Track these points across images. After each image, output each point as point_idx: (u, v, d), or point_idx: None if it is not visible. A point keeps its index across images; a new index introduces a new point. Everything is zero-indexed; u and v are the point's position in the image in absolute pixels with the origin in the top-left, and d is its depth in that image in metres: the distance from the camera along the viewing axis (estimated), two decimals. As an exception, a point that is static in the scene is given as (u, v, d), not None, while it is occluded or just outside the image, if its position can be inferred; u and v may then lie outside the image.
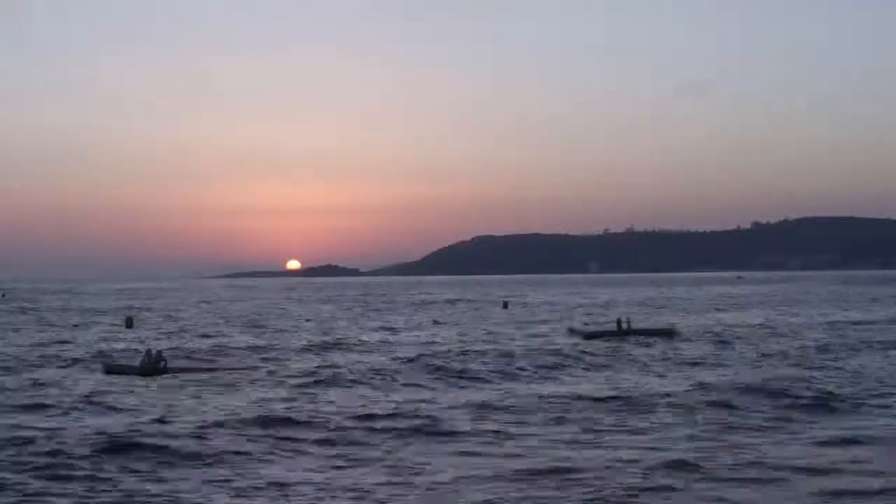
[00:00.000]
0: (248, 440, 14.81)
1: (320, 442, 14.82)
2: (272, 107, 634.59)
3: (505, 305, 68.67)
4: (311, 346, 33.49)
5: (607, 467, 12.55)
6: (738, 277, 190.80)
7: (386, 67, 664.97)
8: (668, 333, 35.60)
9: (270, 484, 11.94)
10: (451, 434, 15.31)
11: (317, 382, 22.33)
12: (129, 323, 47.87)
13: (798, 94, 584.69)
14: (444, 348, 31.09)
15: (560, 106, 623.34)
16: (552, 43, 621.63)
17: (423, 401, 19.09)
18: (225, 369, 26.12)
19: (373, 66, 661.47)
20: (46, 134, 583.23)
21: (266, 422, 16.29)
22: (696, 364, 26.32)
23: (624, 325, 35.40)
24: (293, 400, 19.35)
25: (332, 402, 19.12)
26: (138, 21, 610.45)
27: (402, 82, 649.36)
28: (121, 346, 34.08)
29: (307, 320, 52.41)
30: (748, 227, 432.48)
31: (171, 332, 42.36)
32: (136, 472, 12.68)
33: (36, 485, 11.94)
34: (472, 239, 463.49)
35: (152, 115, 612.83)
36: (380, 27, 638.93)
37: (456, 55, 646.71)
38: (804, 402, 18.36)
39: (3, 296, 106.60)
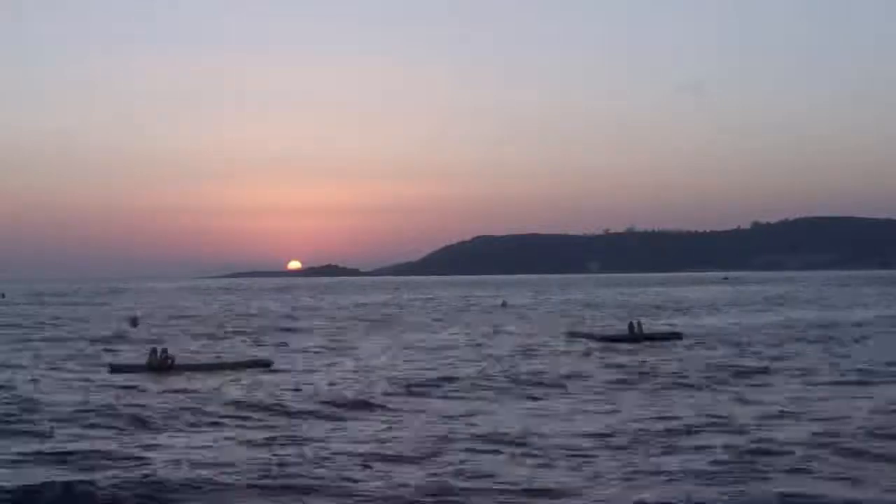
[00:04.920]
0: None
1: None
2: (273, 107, 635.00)
3: (503, 304, 69.19)
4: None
5: None
6: (725, 278, 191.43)
7: (386, 67, 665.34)
8: (677, 336, 35.97)
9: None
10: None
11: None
12: (133, 322, 48.15)
13: (798, 94, 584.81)
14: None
15: (560, 106, 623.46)
16: (552, 43, 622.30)
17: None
18: (231, 366, 26.32)
19: (373, 66, 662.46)
20: (46, 134, 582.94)
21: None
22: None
23: (636, 329, 35.61)
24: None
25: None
26: (139, 21, 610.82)
27: (403, 82, 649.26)
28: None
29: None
30: (748, 227, 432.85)
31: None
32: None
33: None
34: (472, 239, 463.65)
35: (152, 116, 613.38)
36: (379, 27, 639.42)
37: (456, 55, 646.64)
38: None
39: (3, 296, 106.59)
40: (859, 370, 24.04)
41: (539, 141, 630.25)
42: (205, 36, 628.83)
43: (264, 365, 26.67)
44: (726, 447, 13.69)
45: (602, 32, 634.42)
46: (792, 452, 13.32)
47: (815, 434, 14.72)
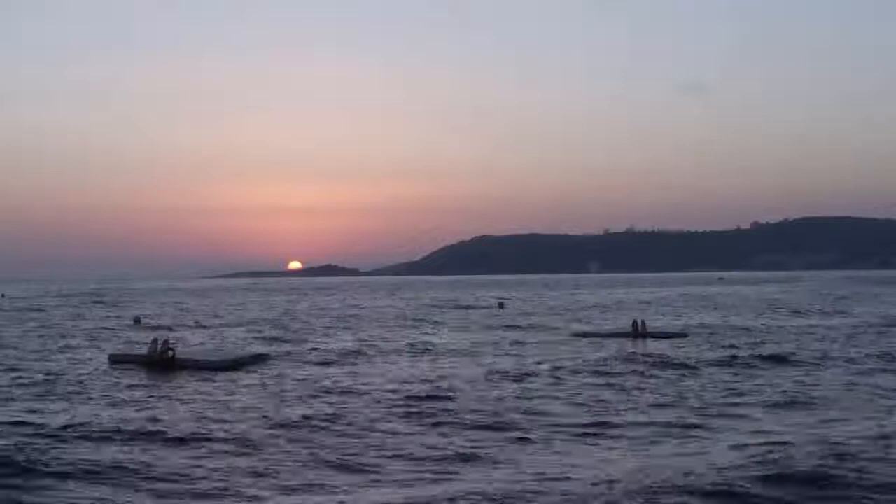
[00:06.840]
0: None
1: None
2: (273, 107, 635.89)
3: (501, 306, 68.62)
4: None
5: None
6: (720, 279, 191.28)
7: (386, 68, 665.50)
8: (681, 336, 35.73)
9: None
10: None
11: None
12: (136, 321, 48.25)
13: (798, 94, 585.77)
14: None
15: (560, 106, 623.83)
16: (552, 43, 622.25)
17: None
18: (232, 361, 26.20)
19: (373, 66, 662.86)
20: (47, 134, 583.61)
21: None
22: None
23: (640, 328, 35.38)
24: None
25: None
26: (139, 21, 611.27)
27: (403, 82, 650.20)
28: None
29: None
30: (748, 227, 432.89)
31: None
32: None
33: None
34: (472, 239, 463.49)
35: (153, 116, 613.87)
36: (379, 28, 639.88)
37: (456, 55, 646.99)
38: None
39: (3, 296, 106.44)
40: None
41: (539, 141, 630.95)
42: (205, 36, 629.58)
43: (263, 360, 26.59)
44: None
45: (602, 32, 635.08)
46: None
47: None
